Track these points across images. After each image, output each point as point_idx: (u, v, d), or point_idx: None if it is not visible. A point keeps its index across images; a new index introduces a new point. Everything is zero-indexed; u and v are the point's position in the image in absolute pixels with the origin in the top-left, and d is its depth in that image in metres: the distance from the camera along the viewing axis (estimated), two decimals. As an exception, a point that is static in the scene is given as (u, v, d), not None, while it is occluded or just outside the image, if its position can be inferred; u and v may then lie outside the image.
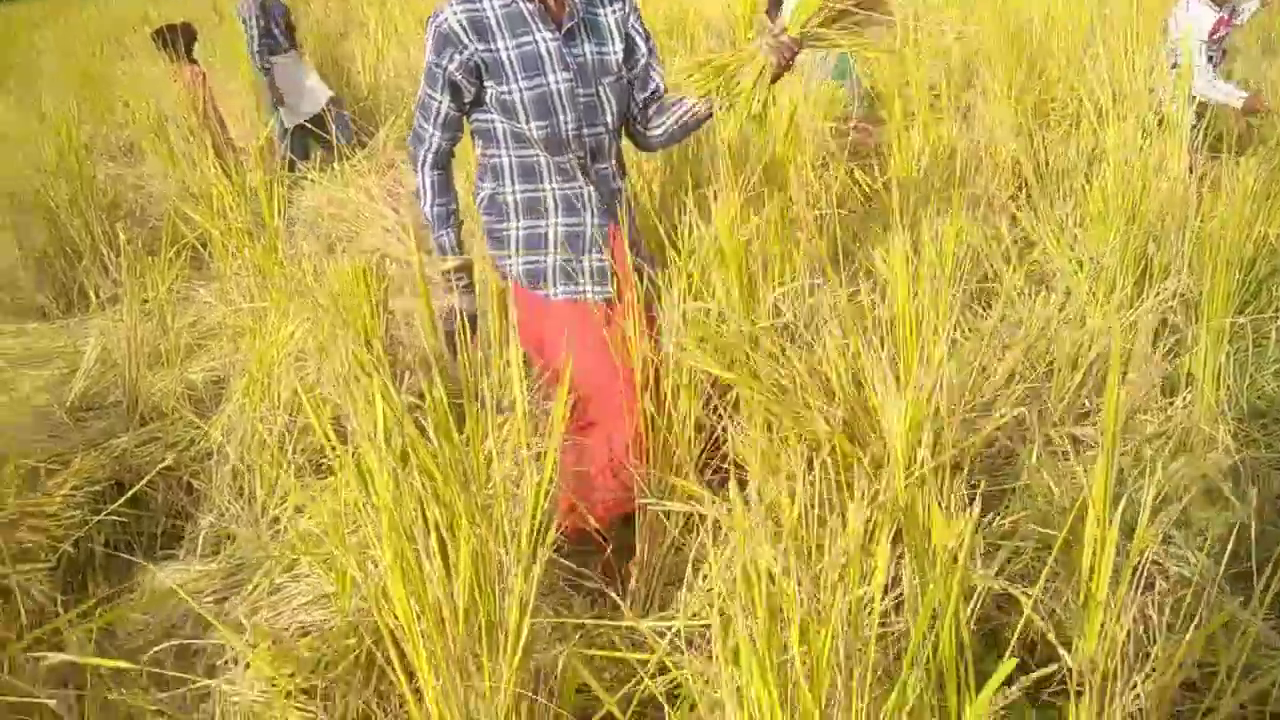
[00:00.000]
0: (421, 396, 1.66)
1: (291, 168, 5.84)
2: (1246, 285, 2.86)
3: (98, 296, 3.96)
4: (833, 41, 2.15)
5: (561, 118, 2.06)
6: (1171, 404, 2.59)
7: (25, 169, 4.48)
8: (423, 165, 2.16)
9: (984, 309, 2.99)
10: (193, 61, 6.44)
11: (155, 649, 2.11)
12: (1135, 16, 4.44)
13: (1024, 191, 3.68)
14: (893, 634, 1.44)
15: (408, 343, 3.34)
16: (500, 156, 2.14)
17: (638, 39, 2.18)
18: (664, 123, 2.25)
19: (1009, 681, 0.99)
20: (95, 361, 3.35)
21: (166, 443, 2.97)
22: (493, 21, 2.02)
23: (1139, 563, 1.19)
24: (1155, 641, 1.43)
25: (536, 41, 2.04)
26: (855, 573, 0.97)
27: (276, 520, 2.51)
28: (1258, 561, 1.80)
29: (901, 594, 1.53)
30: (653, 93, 2.23)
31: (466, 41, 2.00)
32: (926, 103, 3.80)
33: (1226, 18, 4.09)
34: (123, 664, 1.82)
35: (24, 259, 4.42)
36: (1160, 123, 3.27)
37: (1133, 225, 2.87)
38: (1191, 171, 3.26)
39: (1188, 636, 1.31)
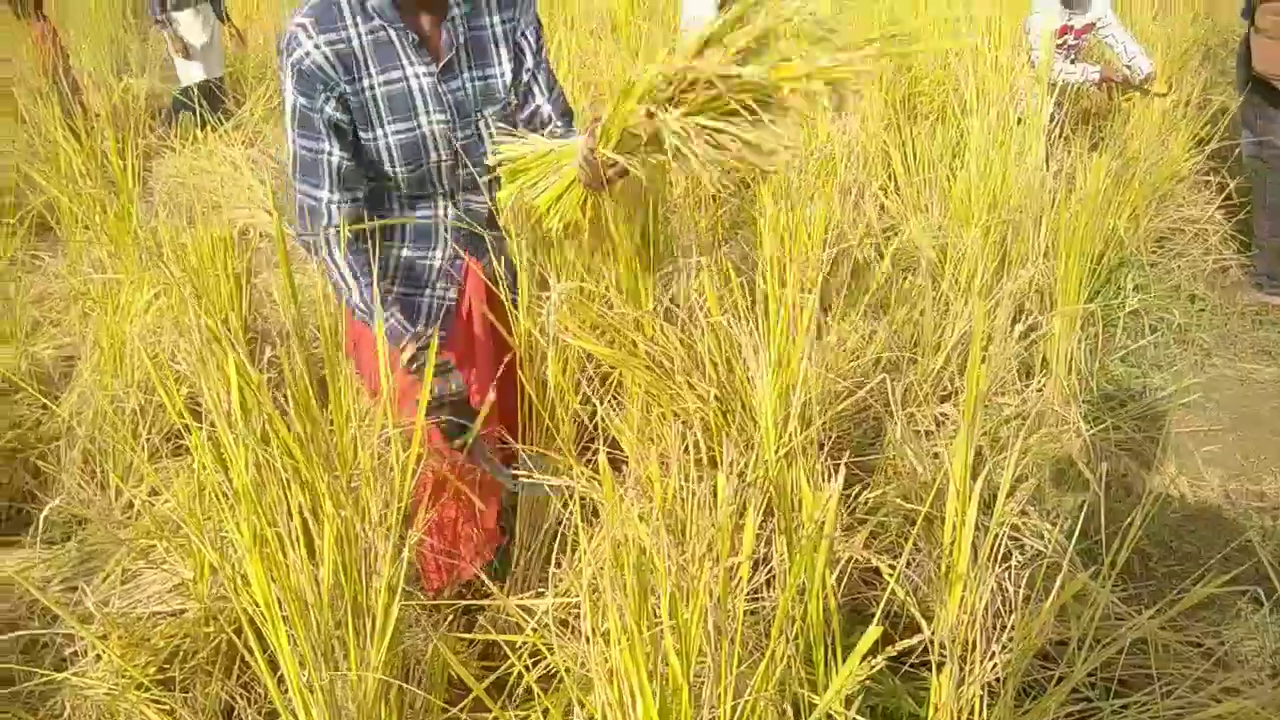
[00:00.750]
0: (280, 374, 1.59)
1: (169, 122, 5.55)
2: (1097, 274, 3.01)
3: (-69, 266, 3.70)
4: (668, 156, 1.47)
5: (432, 158, 1.76)
6: (1028, 387, 2.71)
7: None
8: (330, 248, 1.70)
9: (853, 294, 3.06)
10: (42, 18, 6.05)
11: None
12: (999, 15, 4.62)
13: (893, 181, 3.79)
14: (764, 609, 1.46)
15: (272, 317, 3.24)
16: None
17: (526, 50, 1.82)
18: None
19: (874, 651, 1.02)
20: (-71, 336, 3.13)
21: (11, 421, 2.80)
22: (359, 53, 1.65)
23: (997, 537, 1.24)
24: (1012, 613, 1.49)
25: (408, 78, 1.70)
26: (725, 545, 0.98)
27: (130, 505, 2.39)
28: (1106, 536, 1.90)
29: (772, 570, 1.55)
30: (532, 114, 1.86)
31: (336, 78, 1.63)
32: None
33: (1078, 30, 4.30)
34: (-44, 659, 1.71)
35: None
36: (1019, 120, 3.41)
37: (993, 215, 2.99)
38: (1048, 164, 3.42)
39: (1043, 607, 1.37)
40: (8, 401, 2.86)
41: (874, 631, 0.94)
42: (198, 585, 1.87)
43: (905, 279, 3.02)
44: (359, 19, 1.64)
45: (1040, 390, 2.69)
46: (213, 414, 1.44)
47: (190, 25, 5.71)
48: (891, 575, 1.17)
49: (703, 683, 0.99)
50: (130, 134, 3.45)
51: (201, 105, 5.33)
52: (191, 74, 5.78)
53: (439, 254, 1.85)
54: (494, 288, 1.85)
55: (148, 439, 2.44)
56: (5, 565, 2.35)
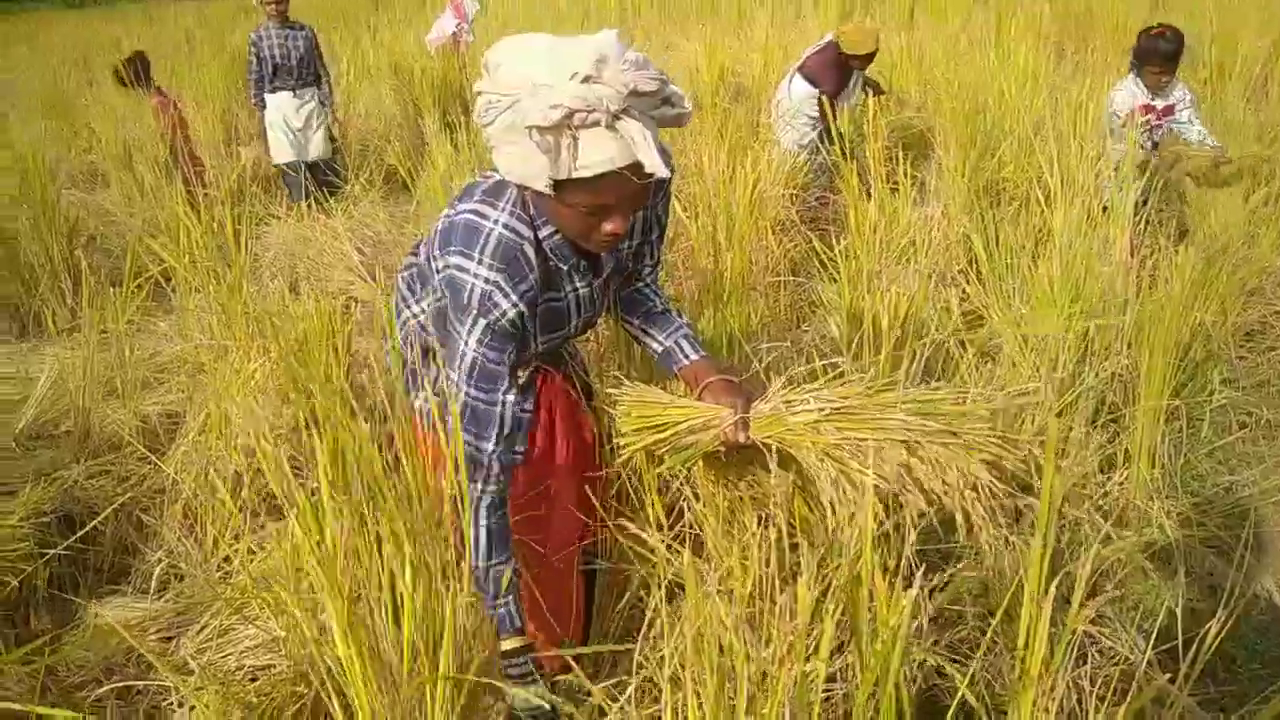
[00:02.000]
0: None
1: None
2: (1182, 368, 2.98)
3: (54, 324, 3.94)
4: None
5: (562, 338, 1.77)
6: (1109, 480, 2.69)
7: (-14, 192, 4.46)
8: (478, 505, 1.63)
9: (936, 381, 3.08)
10: (156, 89, 6.44)
11: (98, 690, 2.09)
12: (1086, 102, 4.64)
13: (974, 267, 3.80)
14: (835, 693, 1.49)
15: (368, 386, 3.37)
16: None
17: (655, 226, 1.79)
18: (625, 316, 1.91)
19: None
20: (48, 389, 3.32)
21: (118, 476, 2.95)
22: (537, 294, 1.60)
23: (1071, 640, 1.26)
24: (1087, 715, 1.49)
25: (566, 296, 1.67)
26: (801, 648, 1.01)
27: (227, 560, 2.50)
28: (1185, 639, 1.87)
29: (846, 660, 1.58)
30: (634, 273, 1.85)
31: (526, 329, 1.60)
32: (883, 176, 3.93)
33: (1159, 110, 4.30)
34: (66, 714, 1.81)
35: (-22, 282, 4.38)
36: (1104, 209, 3.42)
37: (1075, 305, 2.99)
38: (1133, 255, 3.41)
39: (1120, 713, 1.37)
40: (118, 457, 3.02)
41: None
42: (289, 644, 1.95)
43: (986, 366, 3.02)
44: (535, 261, 1.57)
45: (1122, 485, 2.66)
46: (314, 482, 1.53)
47: (285, 108, 5.90)
48: (961, 677, 1.19)
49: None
50: (245, 207, 3.66)
51: (306, 179, 5.58)
52: (279, 153, 5.97)
53: (524, 374, 1.80)
54: (574, 392, 1.90)
55: (247, 499, 2.56)
56: (105, 614, 2.48)
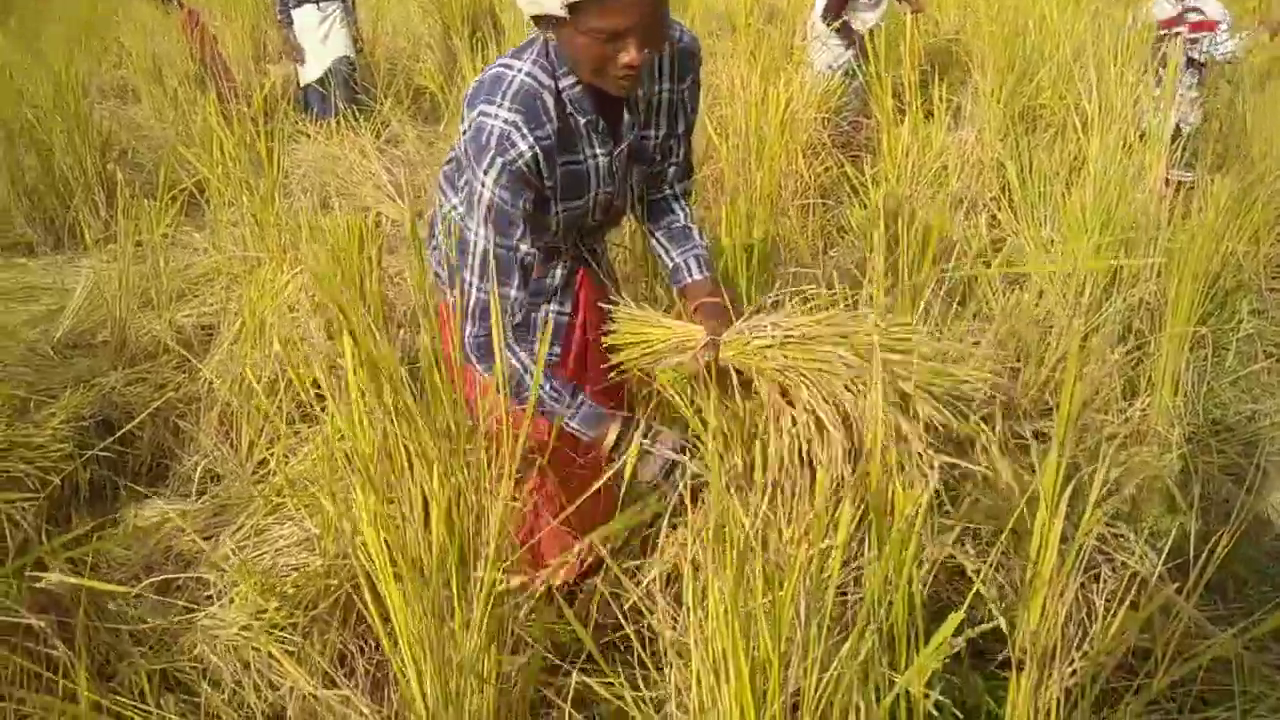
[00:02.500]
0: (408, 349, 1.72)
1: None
2: (1211, 297, 2.97)
3: (89, 236, 3.99)
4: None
5: (588, 223, 1.79)
6: (1130, 406, 2.70)
7: (20, 104, 4.48)
8: (509, 349, 1.69)
9: (959, 305, 3.08)
10: (183, 6, 6.40)
11: (140, 584, 2.18)
12: (1127, 29, 4.54)
13: (1006, 193, 3.77)
14: (850, 601, 1.53)
15: (395, 300, 3.41)
16: None
17: (681, 116, 1.81)
18: (648, 224, 1.94)
19: (957, 633, 1.08)
20: (85, 300, 3.39)
21: (155, 383, 3.02)
22: (554, 145, 1.62)
23: (1082, 545, 1.29)
24: (1096, 623, 1.53)
25: (585, 159, 1.69)
26: (820, 530, 1.05)
27: (263, 463, 2.57)
28: (1196, 555, 1.91)
29: (860, 567, 1.62)
30: (659, 173, 1.88)
31: (543, 175, 1.62)
32: (918, 101, 3.89)
33: (1191, 23, 4.21)
34: (111, 587, 1.89)
35: (15, 193, 4.43)
36: (1141, 136, 3.37)
37: (1106, 233, 2.97)
38: (1168, 184, 3.37)
39: (1127, 616, 1.40)
40: (154, 365, 3.09)
41: (956, 617, 1.00)
42: (323, 541, 2.02)
43: (1013, 292, 3.02)
44: (554, 110, 1.60)
45: (1144, 410, 2.67)
46: (345, 387, 1.57)
47: (308, 22, 5.76)
48: (976, 577, 1.23)
49: (791, 654, 1.07)
50: (275, 123, 3.68)
51: (334, 94, 5.50)
52: (307, 74, 5.85)
53: (559, 271, 1.87)
54: (606, 297, 1.93)
55: (280, 407, 2.62)
56: (145, 515, 2.56)
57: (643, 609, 1.23)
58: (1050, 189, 3.52)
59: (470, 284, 1.67)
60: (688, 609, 1.12)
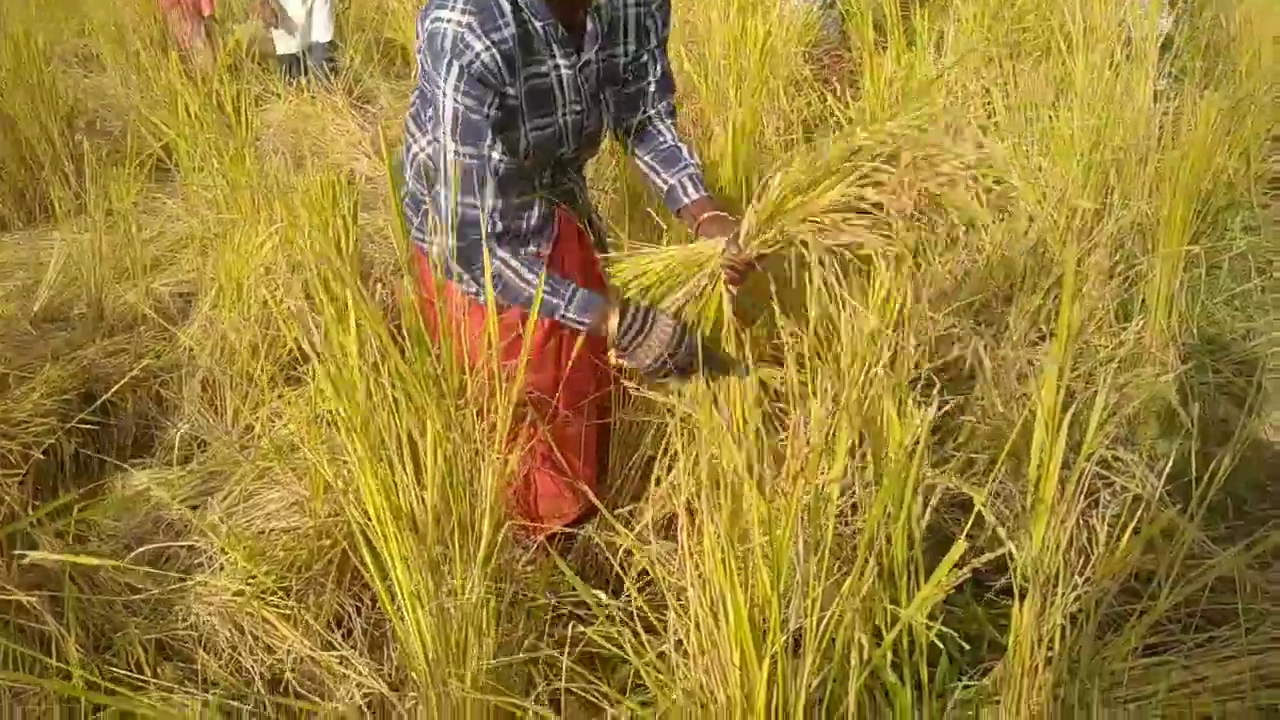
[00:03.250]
0: (388, 307, 1.68)
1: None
2: (1202, 215, 2.93)
3: (59, 207, 3.91)
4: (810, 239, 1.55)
5: (561, 150, 1.74)
6: (1125, 329, 2.67)
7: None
8: (495, 252, 1.65)
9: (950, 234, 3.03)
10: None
11: (130, 554, 2.14)
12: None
13: (992, 120, 3.71)
14: (848, 532, 1.51)
15: (375, 257, 3.36)
16: None
17: (651, 31, 1.76)
18: (635, 151, 1.88)
19: (959, 565, 1.06)
20: (59, 273, 3.32)
21: (135, 353, 2.97)
22: (515, 51, 1.57)
23: (1084, 469, 1.26)
24: (1098, 548, 1.51)
25: (549, 71, 1.64)
26: (815, 465, 1.02)
27: (248, 429, 2.53)
28: (1197, 477, 1.89)
29: (856, 495, 1.59)
30: (638, 93, 1.83)
31: (503, 81, 1.57)
32: (899, 30, 3.80)
33: None
34: (101, 561, 1.86)
35: (-19, 168, 4.33)
36: (1128, 55, 3.30)
37: (1095, 154, 2.92)
38: (1156, 100, 3.31)
39: (1130, 540, 1.38)
40: (133, 335, 3.04)
41: (959, 546, 0.98)
42: (314, 502, 1.99)
43: (1003, 218, 2.98)
44: (510, 15, 1.56)
45: (1139, 333, 2.64)
46: (329, 345, 1.53)
47: None
48: (977, 501, 1.20)
49: (791, 594, 1.04)
50: (243, 82, 3.58)
51: (304, 69, 5.31)
52: (283, 43, 5.64)
53: (535, 212, 1.79)
54: (586, 234, 1.88)
55: (263, 370, 2.57)
56: (131, 485, 2.53)
57: (636, 553, 1.20)
58: (1037, 113, 3.45)
59: (447, 198, 1.63)
60: (683, 552, 1.09)
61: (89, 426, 2.60)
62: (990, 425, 2.03)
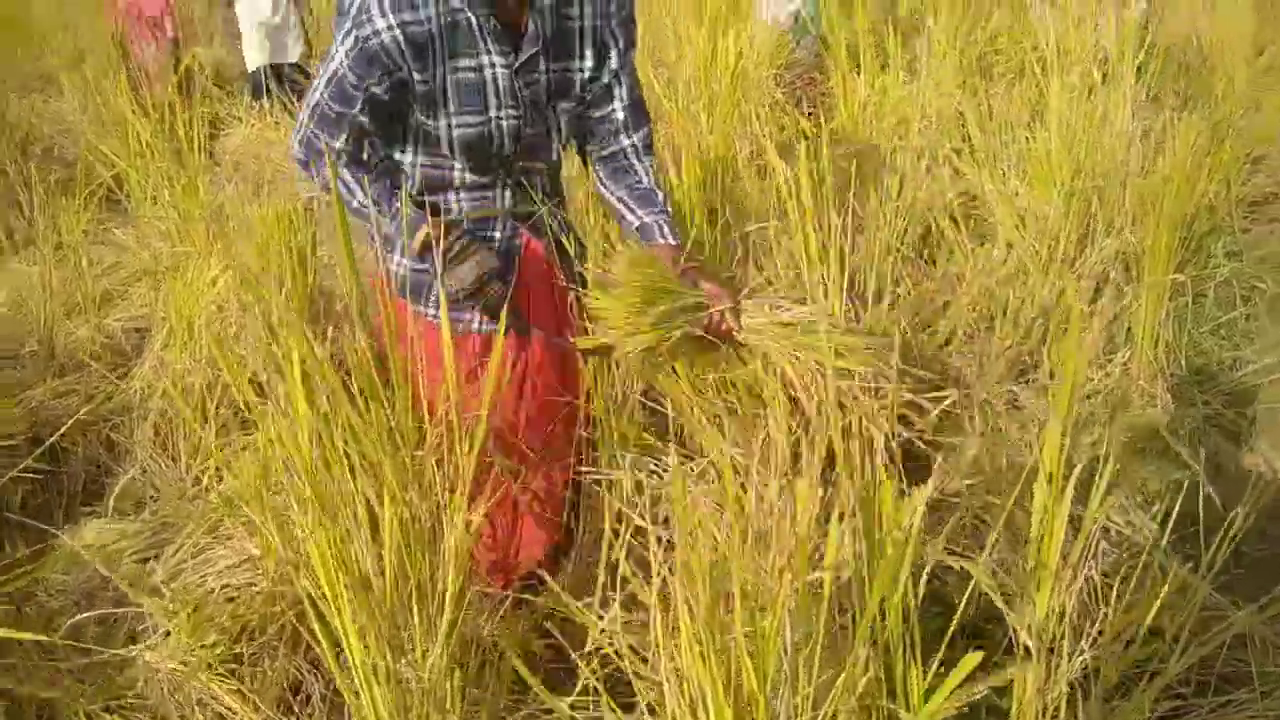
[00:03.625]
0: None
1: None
2: (1187, 243, 2.87)
3: (11, 239, 3.77)
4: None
5: (496, 153, 1.64)
6: (1110, 360, 2.60)
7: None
8: (334, 168, 1.59)
9: (928, 264, 2.96)
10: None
11: (75, 618, 2.02)
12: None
13: (968, 144, 3.65)
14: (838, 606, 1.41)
15: (335, 290, 3.24)
16: (402, 154, 1.68)
17: (611, 47, 1.67)
18: (606, 185, 1.78)
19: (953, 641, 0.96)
20: (9, 307, 3.19)
21: (85, 395, 2.84)
22: (435, 37, 1.51)
23: (1091, 533, 1.17)
24: (1101, 606, 1.42)
25: (483, 68, 1.56)
26: (804, 560, 0.92)
27: (200, 478, 2.41)
28: (1208, 528, 1.80)
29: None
30: (605, 117, 1.73)
31: (400, 63, 1.51)
32: (872, 53, 3.75)
33: None
34: (42, 637, 1.74)
35: (-71, 198, 4.18)
36: (1104, 77, 3.25)
37: (1076, 180, 2.86)
38: (1135, 120, 3.25)
39: (1138, 600, 1.29)
40: (84, 375, 2.90)
41: (972, 659, 0.88)
42: (265, 561, 1.87)
43: (982, 246, 2.91)
44: (436, 1, 1.49)
45: (1125, 365, 2.57)
46: (274, 399, 1.42)
47: (253, 5, 5.47)
48: (978, 571, 1.11)
49: (780, 690, 0.94)
50: (197, 106, 3.46)
51: (269, 89, 5.18)
52: (253, 57, 5.55)
53: (498, 235, 1.73)
54: (554, 268, 1.79)
55: (217, 413, 2.45)
56: (82, 537, 2.40)
57: (606, 648, 1.10)
58: (1013, 134, 3.40)
59: (303, 121, 1.62)
60: (656, 644, 0.98)
61: (37, 475, 2.48)
62: (980, 471, 1.94)
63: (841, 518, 1.08)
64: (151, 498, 2.47)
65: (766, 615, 0.90)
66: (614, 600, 1.09)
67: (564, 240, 1.76)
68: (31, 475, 2.48)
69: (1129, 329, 2.65)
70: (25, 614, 2.17)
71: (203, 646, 1.76)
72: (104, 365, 2.88)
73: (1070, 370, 1.05)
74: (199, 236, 2.70)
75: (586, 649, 1.11)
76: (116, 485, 2.59)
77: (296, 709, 1.82)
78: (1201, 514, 1.54)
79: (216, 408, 2.50)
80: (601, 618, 1.10)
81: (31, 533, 2.48)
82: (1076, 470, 1.11)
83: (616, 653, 1.07)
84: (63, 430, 2.49)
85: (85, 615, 2.01)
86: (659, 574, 0.98)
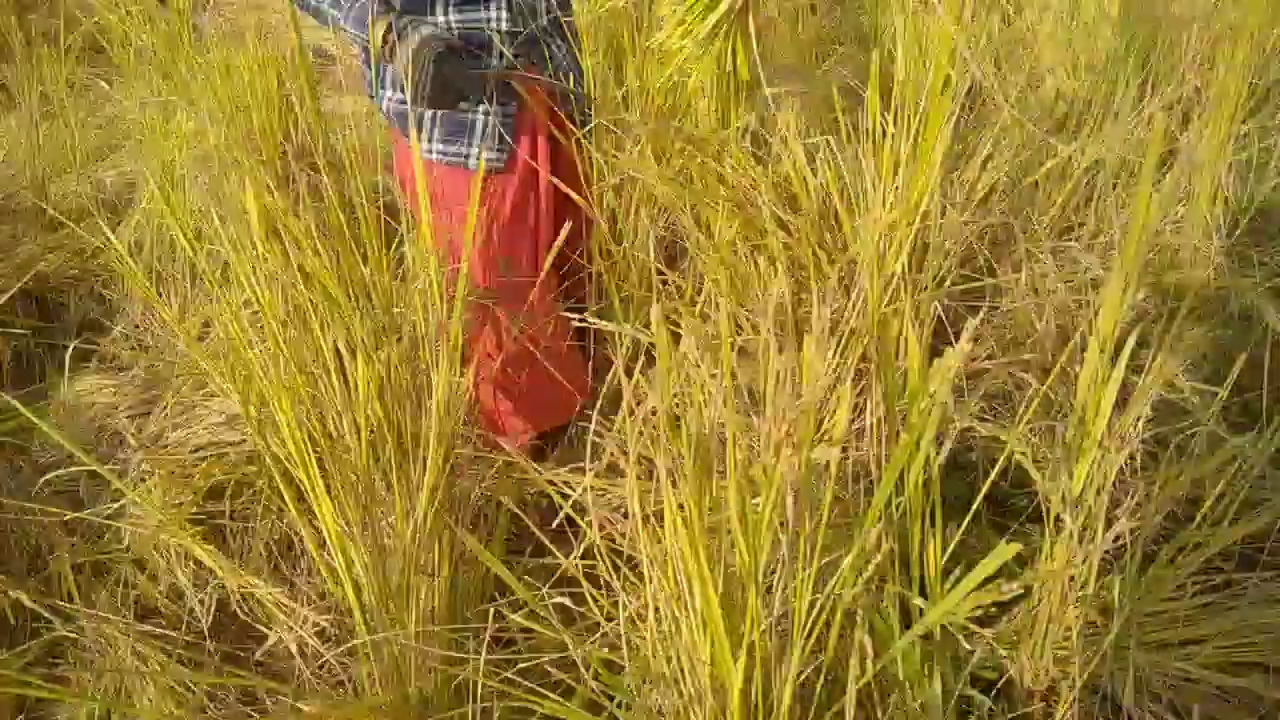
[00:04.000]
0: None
1: None
2: (1254, 91, 2.62)
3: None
4: None
5: None
6: (1165, 217, 2.41)
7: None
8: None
9: (968, 116, 2.73)
10: None
11: (66, 470, 1.95)
12: None
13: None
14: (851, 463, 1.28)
15: (340, 146, 3.06)
16: None
17: None
18: None
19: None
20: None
21: (74, 249, 2.73)
22: None
23: (1145, 398, 1.02)
24: (1139, 478, 1.29)
25: None
26: (809, 431, 0.77)
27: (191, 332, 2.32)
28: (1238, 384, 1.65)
29: (865, 422, 1.37)
30: None
31: None
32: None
33: None
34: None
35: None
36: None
37: (1135, 21, 2.60)
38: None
39: (1184, 469, 1.16)
40: (69, 231, 2.79)
41: (1011, 549, 0.75)
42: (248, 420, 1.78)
43: (1031, 96, 2.68)
44: None
45: (1178, 223, 2.38)
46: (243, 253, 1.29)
47: None
48: (1012, 440, 0.98)
49: (775, 575, 0.82)
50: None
51: None
52: None
53: (493, 62, 1.59)
54: (556, 105, 1.63)
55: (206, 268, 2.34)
56: (75, 390, 2.32)
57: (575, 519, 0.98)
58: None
59: None
60: (634, 522, 0.86)
61: (29, 330, 2.39)
62: (1019, 329, 1.78)
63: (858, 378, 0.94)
64: (144, 350, 2.39)
65: (766, 493, 0.77)
66: (595, 469, 0.96)
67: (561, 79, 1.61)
68: (23, 332, 2.39)
69: (1189, 180, 2.43)
70: (18, 466, 2.13)
71: (179, 504, 1.68)
72: (98, 219, 2.76)
73: (1140, 215, 0.88)
74: (184, 87, 2.54)
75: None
76: (108, 340, 2.52)
77: (286, 568, 1.76)
78: (1265, 385, 1.38)
79: (205, 263, 2.38)
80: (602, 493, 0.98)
81: (24, 385, 2.42)
82: (1133, 333, 0.96)
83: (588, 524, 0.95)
84: (23, 278, 2.39)
85: (70, 470, 1.95)
86: (637, 438, 0.84)
